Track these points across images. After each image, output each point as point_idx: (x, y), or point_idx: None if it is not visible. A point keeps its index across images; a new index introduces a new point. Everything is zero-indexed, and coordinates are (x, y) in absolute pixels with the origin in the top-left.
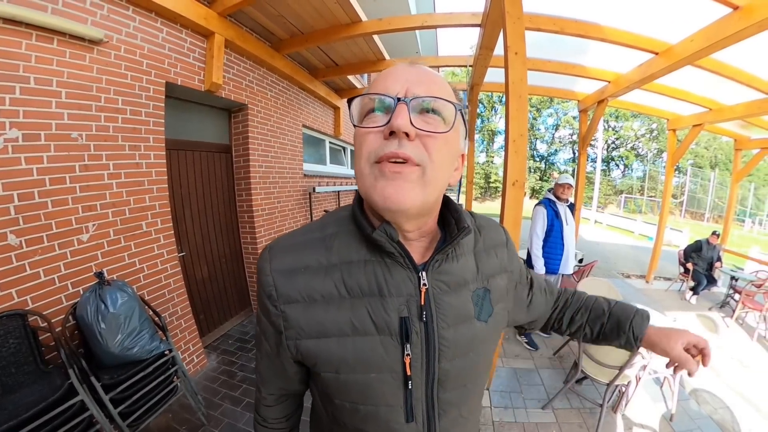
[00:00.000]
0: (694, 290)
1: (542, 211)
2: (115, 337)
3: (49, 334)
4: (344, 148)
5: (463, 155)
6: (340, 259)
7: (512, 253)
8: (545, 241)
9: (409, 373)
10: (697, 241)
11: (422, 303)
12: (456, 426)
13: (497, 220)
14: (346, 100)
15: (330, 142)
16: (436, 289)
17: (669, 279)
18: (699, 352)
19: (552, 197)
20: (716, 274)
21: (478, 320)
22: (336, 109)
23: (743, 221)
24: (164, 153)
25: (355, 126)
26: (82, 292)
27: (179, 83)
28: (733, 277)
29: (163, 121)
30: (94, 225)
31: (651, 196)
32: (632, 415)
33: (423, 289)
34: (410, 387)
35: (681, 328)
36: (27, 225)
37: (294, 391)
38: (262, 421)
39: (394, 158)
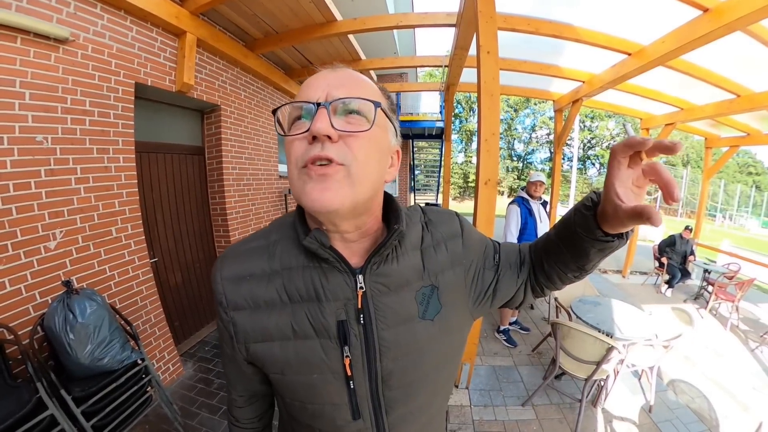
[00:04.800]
0: (669, 283)
1: (515, 210)
2: (85, 347)
3: (16, 347)
4: None
5: (397, 151)
6: (281, 266)
7: (470, 243)
8: (519, 238)
9: (349, 373)
10: (671, 236)
11: (359, 306)
12: (405, 422)
13: (471, 217)
14: (272, 110)
15: None
16: (375, 291)
17: (645, 273)
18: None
19: (525, 195)
20: (690, 267)
21: (422, 319)
22: None
23: (714, 216)
24: (134, 156)
25: (281, 135)
26: (50, 302)
27: (149, 84)
28: (706, 270)
29: (132, 123)
30: (61, 232)
31: None
32: (612, 409)
33: (360, 293)
34: (352, 386)
35: None
36: None
37: (261, 392)
38: (235, 421)
39: (318, 160)
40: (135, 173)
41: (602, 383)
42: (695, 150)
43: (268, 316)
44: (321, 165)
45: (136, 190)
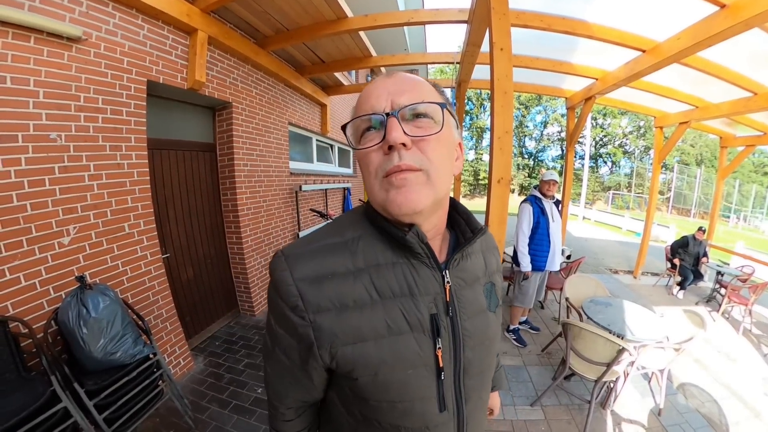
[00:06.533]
0: (681, 285)
1: (528, 208)
2: (98, 342)
3: (30, 340)
4: (332, 146)
5: (460, 143)
6: (367, 263)
7: (500, 263)
8: (531, 238)
9: (441, 365)
10: (683, 237)
11: (447, 299)
12: (477, 409)
13: (483, 215)
14: (340, 126)
15: (317, 140)
16: (456, 285)
17: (656, 274)
18: None
19: (538, 194)
20: (703, 269)
21: (489, 311)
22: (323, 106)
23: (728, 217)
24: (146, 153)
25: (354, 149)
26: (64, 297)
27: (161, 81)
28: (719, 272)
29: (144, 120)
30: (75, 228)
31: (638, 193)
32: (621, 411)
33: (447, 287)
34: (442, 378)
35: None
36: (5, 229)
37: (314, 401)
38: None
39: (398, 171)
40: (147, 170)
41: (612, 385)
42: (710, 149)
43: (359, 315)
44: (401, 171)
45: (149, 186)
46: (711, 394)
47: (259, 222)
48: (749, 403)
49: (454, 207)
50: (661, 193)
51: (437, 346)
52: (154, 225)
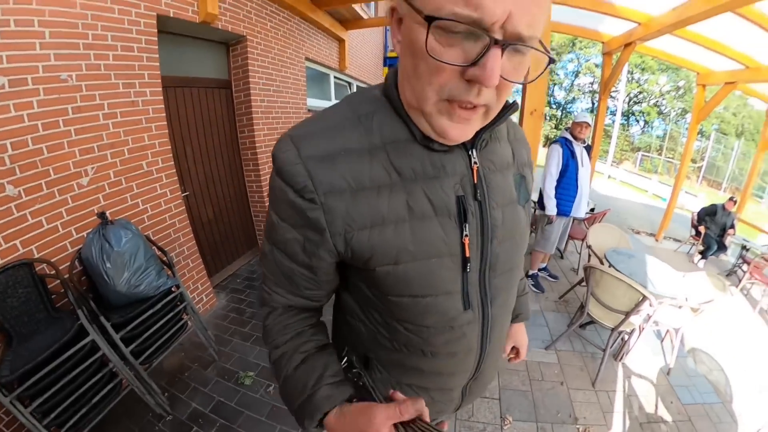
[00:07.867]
0: (703, 254)
1: (557, 150)
2: (122, 275)
3: (57, 281)
4: (350, 84)
5: None
6: (384, 140)
7: (530, 161)
8: (559, 181)
9: (467, 254)
10: (712, 205)
11: (475, 181)
12: (502, 312)
13: None
14: (424, 17)
15: (335, 77)
16: (485, 168)
17: (679, 240)
18: None
19: (568, 136)
20: (727, 241)
21: (518, 204)
22: (341, 41)
23: (761, 197)
24: (161, 89)
25: (430, 55)
26: (86, 237)
27: (171, 15)
28: (744, 247)
29: (156, 56)
30: (92, 168)
31: (669, 157)
32: (632, 365)
33: (474, 168)
34: (468, 270)
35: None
36: (24, 174)
37: (308, 308)
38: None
39: (469, 108)
40: (162, 107)
41: (626, 338)
42: (753, 121)
43: (377, 195)
44: (473, 109)
45: (165, 123)
46: (720, 363)
47: None
48: (755, 378)
49: None
50: (693, 161)
51: (464, 233)
52: (173, 162)
